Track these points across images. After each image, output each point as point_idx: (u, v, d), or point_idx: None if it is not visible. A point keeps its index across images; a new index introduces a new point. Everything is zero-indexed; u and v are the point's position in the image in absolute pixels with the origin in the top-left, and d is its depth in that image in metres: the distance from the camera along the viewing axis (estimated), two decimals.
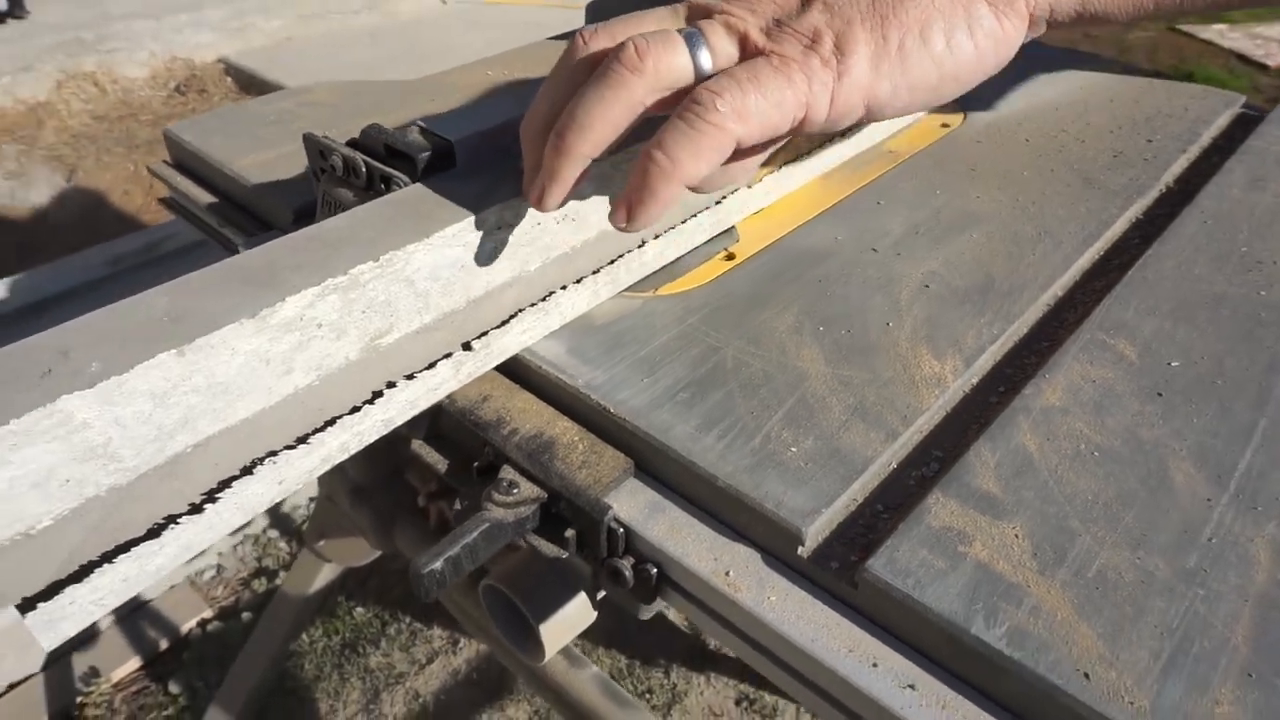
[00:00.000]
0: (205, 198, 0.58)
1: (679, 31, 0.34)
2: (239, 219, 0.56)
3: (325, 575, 0.98)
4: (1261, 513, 0.34)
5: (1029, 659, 0.29)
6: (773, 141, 0.38)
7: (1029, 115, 0.66)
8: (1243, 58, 3.19)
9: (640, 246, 0.46)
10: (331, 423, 0.35)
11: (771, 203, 0.54)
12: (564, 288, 0.43)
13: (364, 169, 0.40)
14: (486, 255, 0.39)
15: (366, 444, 0.37)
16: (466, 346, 0.40)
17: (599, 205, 0.42)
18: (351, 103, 0.65)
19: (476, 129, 0.41)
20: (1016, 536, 0.33)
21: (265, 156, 0.57)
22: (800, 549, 0.34)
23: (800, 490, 0.35)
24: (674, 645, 1.40)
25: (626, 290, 0.46)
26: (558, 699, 0.65)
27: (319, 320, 0.34)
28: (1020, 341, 0.45)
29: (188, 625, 1.45)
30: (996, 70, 0.38)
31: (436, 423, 0.42)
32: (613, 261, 0.45)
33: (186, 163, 0.60)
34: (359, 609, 1.47)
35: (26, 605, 0.29)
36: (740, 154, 0.37)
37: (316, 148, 0.42)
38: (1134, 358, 0.42)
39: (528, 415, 0.41)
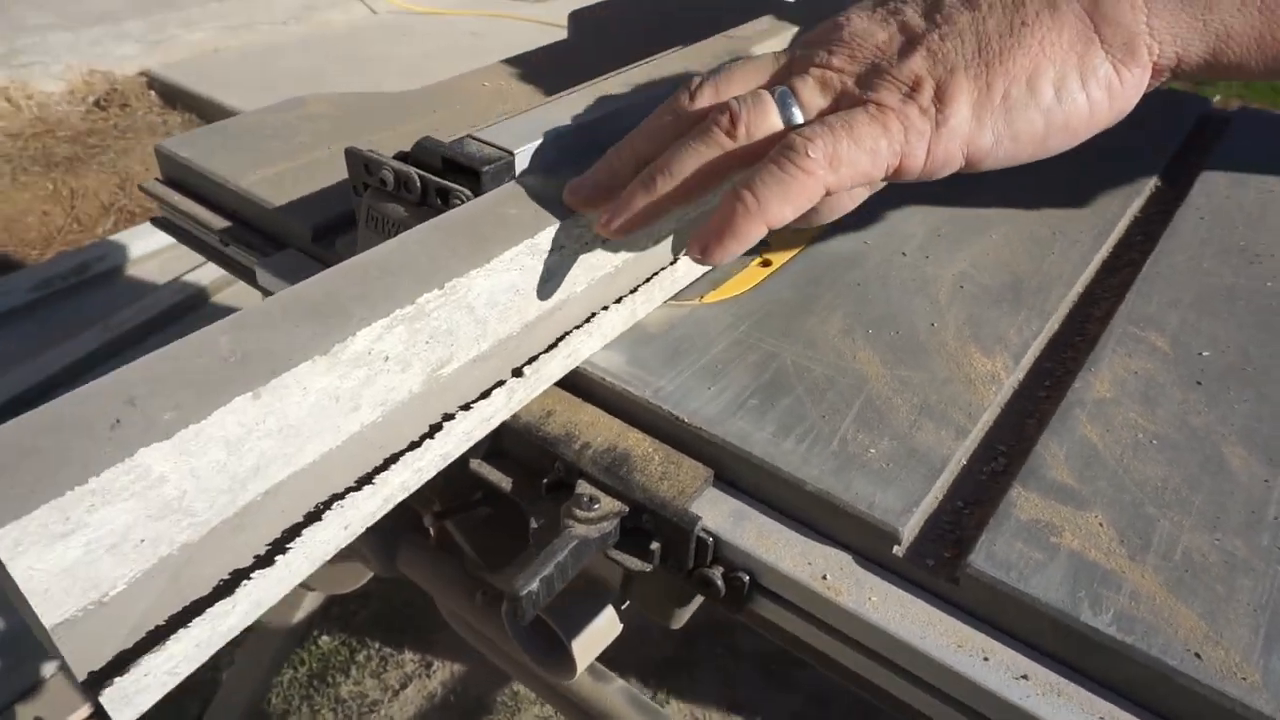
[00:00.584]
0: (207, 216, 0.56)
1: (771, 91, 0.34)
2: (248, 238, 0.54)
3: (308, 605, 0.95)
4: None
5: (1141, 643, 0.30)
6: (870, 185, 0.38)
7: None
8: None
9: (673, 264, 0.46)
10: (394, 460, 0.34)
11: None
12: (605, 308, 0.42)
13: (419, 183, 0.39)
14: (542, 279, 0.38)
15: (424, 481, 0.36)
16: (518, 373, 0.39)
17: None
18: (352, 115, 0.63)
19: (534, 142, 0.40)
20: (1101, 525, 0.35)
21: (272, 171, 0.56)
22: (896, 548, 0.35)
23: (888, 490, 0.36)
24: (647, 657, 1.40)
25: (672, 300, 0.46)
26: (585, 715, 0.64)
27: (386, 353, 0.32)
28: (1055, 336, 0.47)
29: None
30: (1113, 122, 0.36)
31: (498, 441, 0.42)
32: (648, 280, 0.44)
33: (184, 180, 0.58)
34: (324, 637, 1.43)
35: (96, 681, 0.27)
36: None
37: (361, 162, 0.41)
38: (1167, 349, 0.44)
39: (597, 429, 0.40)
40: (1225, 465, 0.38)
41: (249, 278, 0.54)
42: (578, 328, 0.41)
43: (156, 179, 0.60)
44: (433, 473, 0.36)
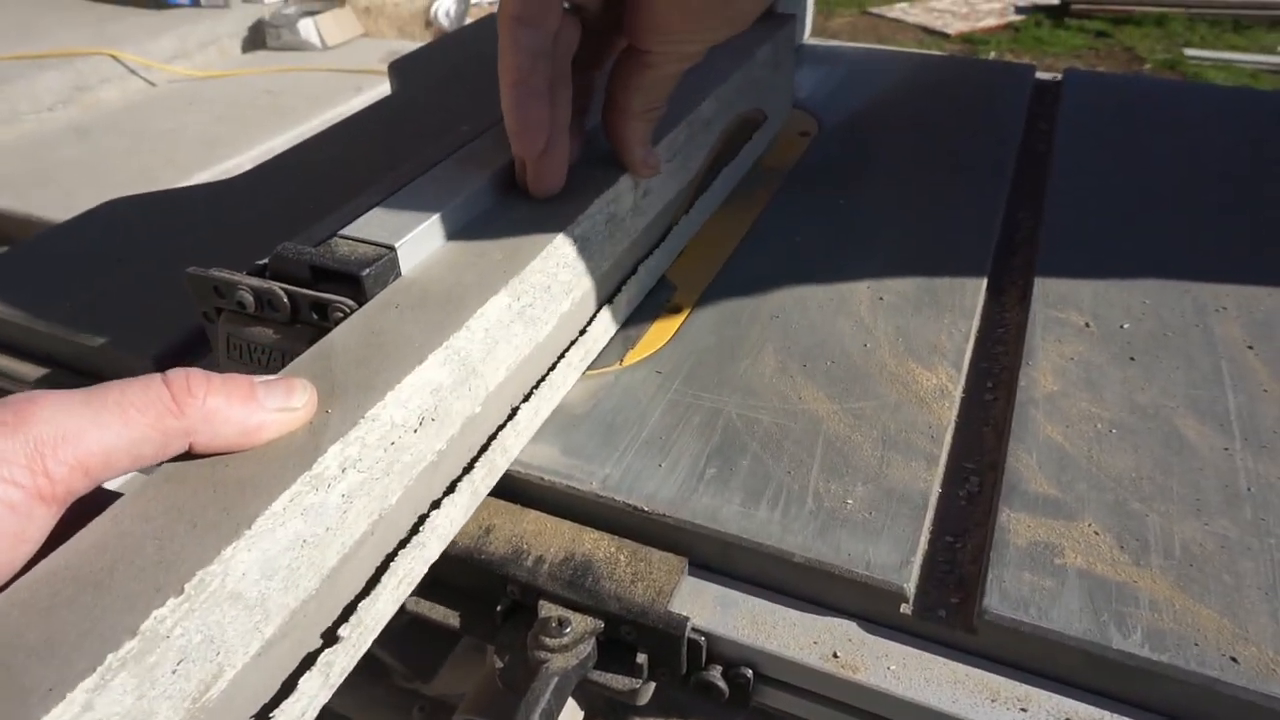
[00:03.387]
0: (14, 367, 0.47)
1: None
2: (72, 382, 0.46)
3: None
4: (1270, 449, 0.37)
5: (1178, 659, 0.29)
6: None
7: (873, 111, 0.68)
8: (928, 30, 3.60)
9: (512, 418, 0.36)
10: None
11: (685, 244, 0.52)
12: (437, 505, 0.32)
13: (286, 301, 0.34)
14: (336, 513, 0.27)
15: None
16: (330, 639, 0.28)
17: (461, 391, 0.33)
18: (165, 217, 0.55)
19: (416, 229, 0.35)
20: (1096, 533, 0.33)
21: (87, 300, 0.47)
22: (904, 606, 0.32)
23: (879, 544, 0.33)
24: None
25: (590, 370, 0.42)
26: None
27: None
28: (980, 332, 0.46)
29: None
30: None
31: (434, 571, 0.36)
32: (485, 448, 0.35)
33: None
34: None
35: None
36: None
37: (209, 285, 0.35)
38: (1091, 326, 0.44)
39: (546, 537, 0.35)
40: (1185, 441, 0.37)
41: None
42: (403, 545, 0.31)
43: None
44: None
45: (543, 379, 0.39)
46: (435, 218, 0.36)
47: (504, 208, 0.40)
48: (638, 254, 0.46)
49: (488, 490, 0.36)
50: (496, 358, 0.35)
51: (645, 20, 0.38)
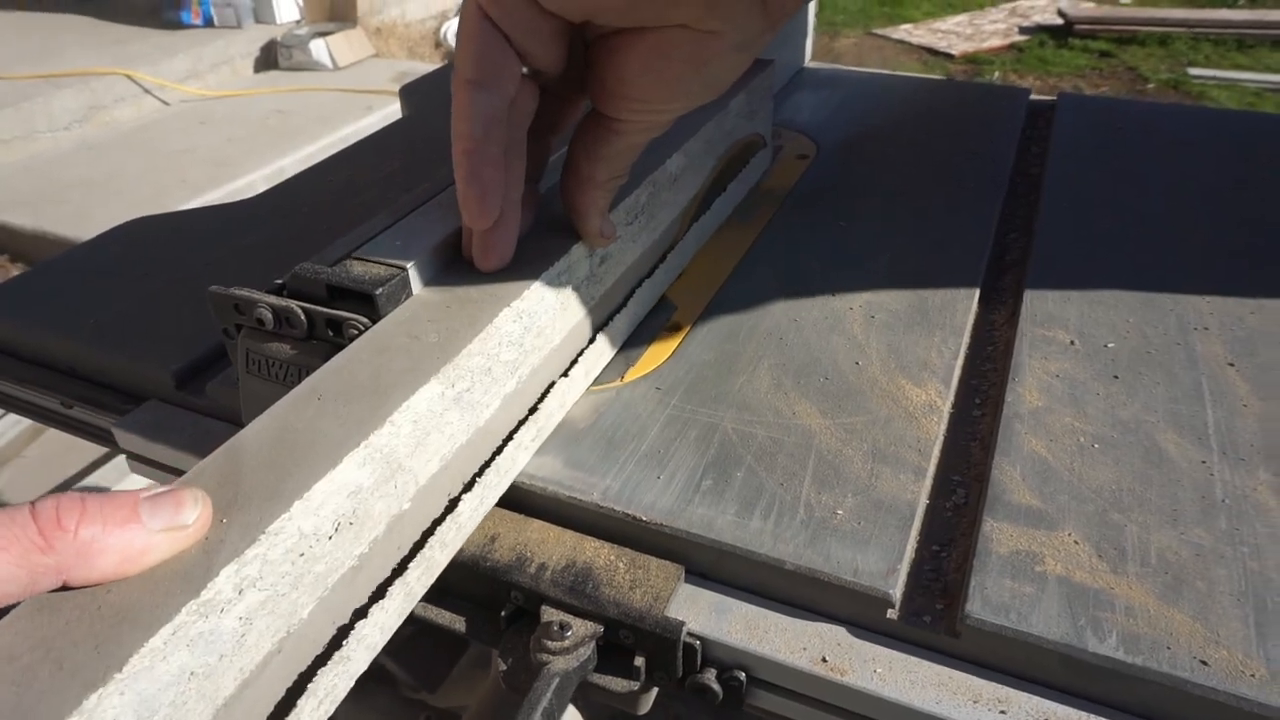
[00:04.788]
0: (40, 379, 0.49)
1: None
2: (96, 395, 0.48)
3: None
4: (1248, 462, 0.38)
5: (1151, 661, 0.30)
6: None
7: (871, 134, 0.70)
8: (932, 51, 3.63)
9: (453, 509, 0.34)
10: None
11: (687, 261, 0.53)
12: (364, 614, 0.29)
13: (304, 318, 0.35)
14: (232, 638, 0.24)
15: None
16: None
17: (385, 489, 0.30)
18: (185, 236, 0.58)
19: (426, 249, 0.37)
20: (1076, 542, 0.35)
21: (110, 315, 0.49)
22: (890, 612, 0.33)
23: (868, 552, 0.34)
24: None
25: (592, 386, 0.44)
26: None
27: None
28: (969, 350, 0.47)
29: None
30: None
31: (442, 579, 0.38)
32: (421, 544, 0.32)
33: (4, 341, 0.51)
34: None
35: None
36: None
37: (230, 303, 0.37)
38: (1076, 344, 0.45)
39: (548, 545, 0.37)
40: (1164, 454, 0.39)
41: (104, 440, 0.48)
42: (323, 664, 0.27)
43: None
44: None
45: (488, 463, 0.36)
46: (447, 236, 0.38)
47: (447, 280, 0.38)
48: (598, 319, 0.44)
49: (425, 589, 0.33)
50: (428, 449, 0.32)
51: (615, 87, 0.35)
